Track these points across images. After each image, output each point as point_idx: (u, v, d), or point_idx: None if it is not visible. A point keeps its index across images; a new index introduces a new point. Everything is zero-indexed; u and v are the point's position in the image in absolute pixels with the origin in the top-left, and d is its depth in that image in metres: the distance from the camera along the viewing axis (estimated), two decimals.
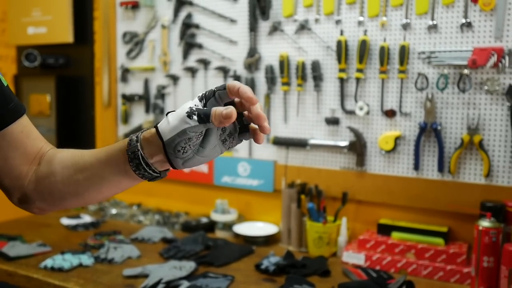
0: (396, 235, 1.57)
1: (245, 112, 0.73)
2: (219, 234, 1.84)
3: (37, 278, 1.41)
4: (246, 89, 0.69)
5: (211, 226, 1.88)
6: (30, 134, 0.84)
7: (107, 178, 0.76)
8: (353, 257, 1.56)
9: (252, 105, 0.70)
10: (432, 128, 1.54)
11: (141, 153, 0.71)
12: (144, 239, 1.75)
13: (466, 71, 1.48)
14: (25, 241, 1.67)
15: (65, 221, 1.93)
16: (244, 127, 0.74)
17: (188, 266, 1.46)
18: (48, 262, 1.48)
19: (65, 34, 2.24)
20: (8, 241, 1.65)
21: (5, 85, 0.82)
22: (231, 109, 0.67)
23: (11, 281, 1.47)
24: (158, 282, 1.34)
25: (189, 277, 1.40)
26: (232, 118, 0.67)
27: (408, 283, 1.35)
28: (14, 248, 1.58)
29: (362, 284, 1.36)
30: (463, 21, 1.48)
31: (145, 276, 1.41)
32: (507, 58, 1.43)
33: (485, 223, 1.33)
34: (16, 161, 0.82)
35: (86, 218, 1.98)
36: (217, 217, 1.86)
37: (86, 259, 1.52)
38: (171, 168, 0.74)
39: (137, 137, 0.73)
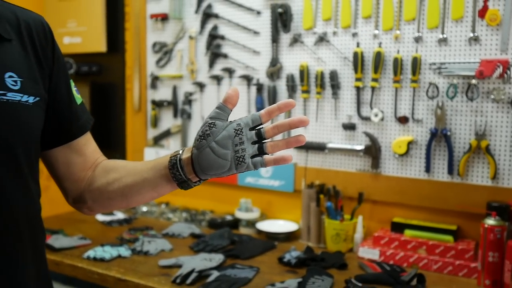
0: (408, 233, 1.69)
1: (270, 143, 0.83)
2: (243, 230, 1.98)
3: (82, 267, 1.56)
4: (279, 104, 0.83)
5: (235, 223, 2.02)
6: (90, 146, 1.00)
7: (149, 180, 0.91)
8: (368, 252, 1.68)
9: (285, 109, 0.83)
10: (442, 133, 1.67)
11: (180, 168, 0.87)
12: (174, 234, 1.90)
13: (474, 81, 1.60)
14: (67, 235, 1.83)
15: (100, 217, 2.09)
16: (261, 153, 0.83)
17: (217, 258, 1.60)
18: (90, 253, 1.64)
19: (99, 44, 2.41)
20: (52, 235, 1.81)
21: (78, 103, 0.97)
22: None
23: (57, 270, 1.62)
24: (191, 271, 1.48)
25: (218, 267, 1.54)
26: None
27: (419, 276, 1.47)
28: (58, 241, 1.74)
29: (377, 276, 1.49)
30: (471, 35, 1.61)
31: (179, 266, 1.55)
32: (511, 69, 1.55)
33: (490, 221, 1.45)
34: (77, 167, 0.97)
35: (119, 215, 2.13)
36: (241, 215, 2.00)
37: (124, 251, 1.67)
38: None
39: (178, 159, 0.88)
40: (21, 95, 0.84)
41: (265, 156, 0.83)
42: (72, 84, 0.98)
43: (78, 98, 0.98)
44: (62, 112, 0.94)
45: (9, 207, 0.82)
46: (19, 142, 0.83)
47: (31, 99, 0.85)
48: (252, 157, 0.83)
